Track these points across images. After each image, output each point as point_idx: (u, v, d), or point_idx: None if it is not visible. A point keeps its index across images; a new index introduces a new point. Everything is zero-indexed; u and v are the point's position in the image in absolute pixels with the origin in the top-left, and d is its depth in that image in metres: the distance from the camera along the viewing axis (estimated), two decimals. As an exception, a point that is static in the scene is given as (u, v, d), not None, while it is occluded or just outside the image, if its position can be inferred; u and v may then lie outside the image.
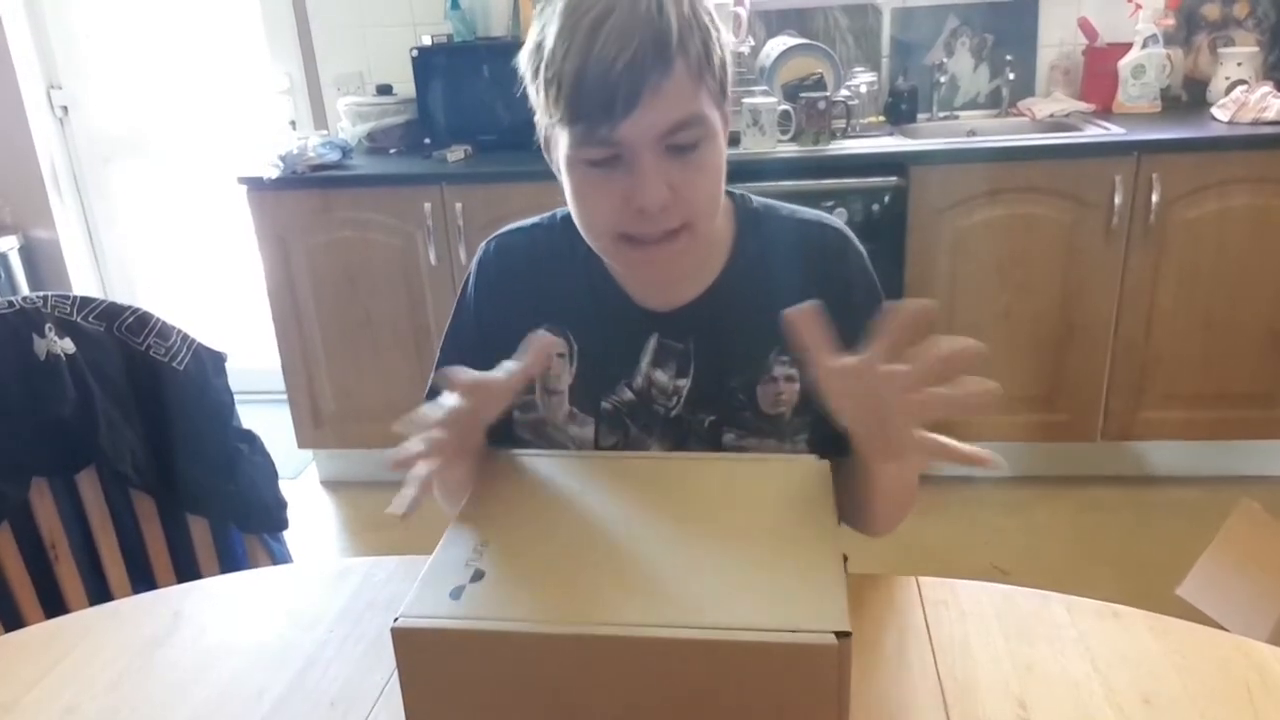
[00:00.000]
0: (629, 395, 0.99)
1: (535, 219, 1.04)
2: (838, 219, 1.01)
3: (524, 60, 0.87)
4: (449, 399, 0.78)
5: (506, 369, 0.80)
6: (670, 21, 0.80)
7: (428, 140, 2.70)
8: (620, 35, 0.79)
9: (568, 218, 0.96)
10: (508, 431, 1.02)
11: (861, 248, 1.00)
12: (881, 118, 2.75)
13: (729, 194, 1.01)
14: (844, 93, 2.53)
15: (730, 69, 0.90)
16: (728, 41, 0.89)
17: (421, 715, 0.64)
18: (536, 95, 0.87)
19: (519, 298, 1.01)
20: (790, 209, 1.01)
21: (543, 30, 0.84)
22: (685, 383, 0.98)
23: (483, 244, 1.04)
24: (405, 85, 2.76)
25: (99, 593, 1.30)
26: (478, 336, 1.02)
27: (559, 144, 0.87)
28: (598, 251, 0.94)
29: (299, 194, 2.49)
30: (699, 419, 0.98)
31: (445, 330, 1.06)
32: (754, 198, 1.03)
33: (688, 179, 0.85)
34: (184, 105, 3.19)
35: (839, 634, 0.58)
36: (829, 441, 0.86)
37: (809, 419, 0.98)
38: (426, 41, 2.72)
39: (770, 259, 0.98)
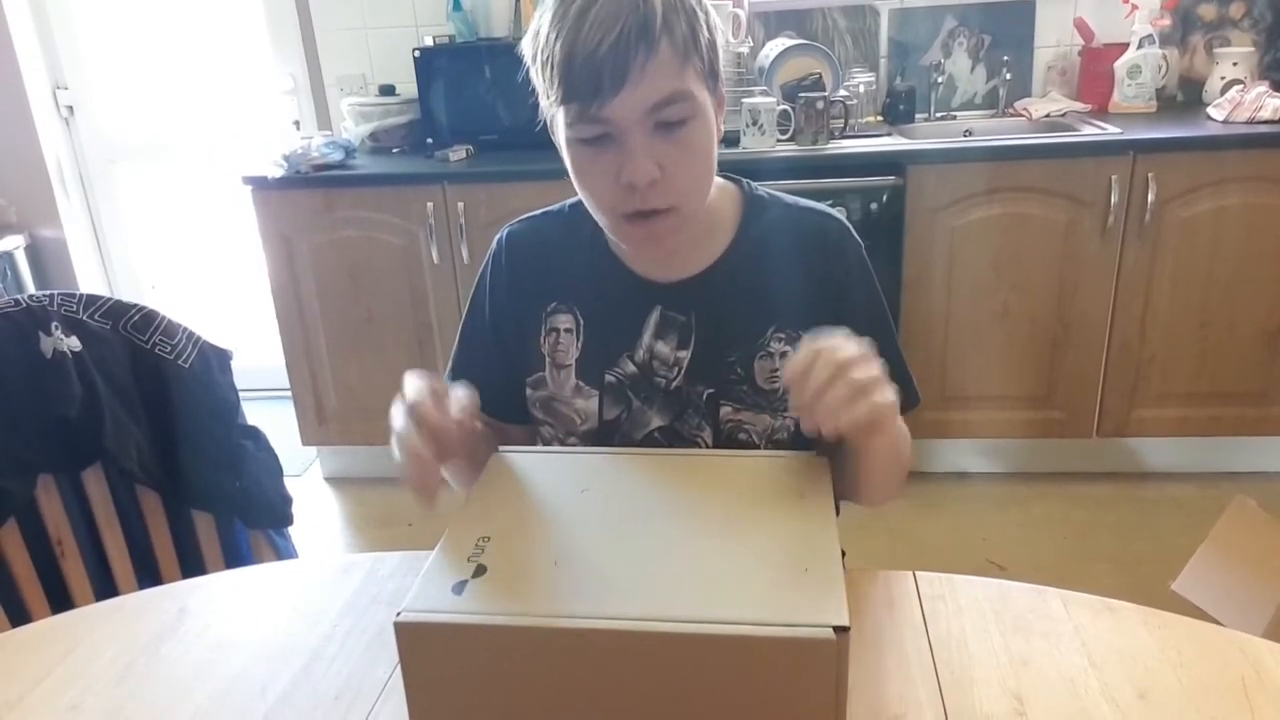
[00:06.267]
0: (631, 368, 1.02)
1: (545, 208, 1.09)
2: (838, 212, 1.05)
3: (525, 46, 0.91)
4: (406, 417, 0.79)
5: (459, 401, 0.82)
6: (655, 4, 0.84)
7: (430, 140, 2.71)
8: (606, 18, 0.82)
9: (575, 205, 1.01)
10: (522, 407, 1.07)
11: (860, 241, 1.03)
12: (879, 118, 2.75)
13: (734, 180, 1.05)
14: (842, 93, 2.54)
15: (720, 50, 0.92)
16: (716, 24, 0.91)
17: (424, 709, 0.65)
18: (536, 78, 0.91)
19: (528, 280, 1.05)
20: (794, 199, 1.05)
21: (540, 17, 0.88)
22: (686, 354, 1.01)
23: (498, 235, 1.09)
24: (407, 86, 2.77)
25: (105, 588, 1.31)
26: (490, 324, 1.07)
27: (559, 125, 0.91)
28: (606, 229, 0.97)
29: (303, 193, 2.50)
30: (697, 391, 1.01)
31: (462, 321, 1.10)
32: (758, 186, 1.06)
33: (675, 159, 0.88)
34: (189, 105, 3.19)
35: (837, 629, 0.59)
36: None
37: None
38: (428, 42, 2.72)
39: (772, 242, 1.01)
